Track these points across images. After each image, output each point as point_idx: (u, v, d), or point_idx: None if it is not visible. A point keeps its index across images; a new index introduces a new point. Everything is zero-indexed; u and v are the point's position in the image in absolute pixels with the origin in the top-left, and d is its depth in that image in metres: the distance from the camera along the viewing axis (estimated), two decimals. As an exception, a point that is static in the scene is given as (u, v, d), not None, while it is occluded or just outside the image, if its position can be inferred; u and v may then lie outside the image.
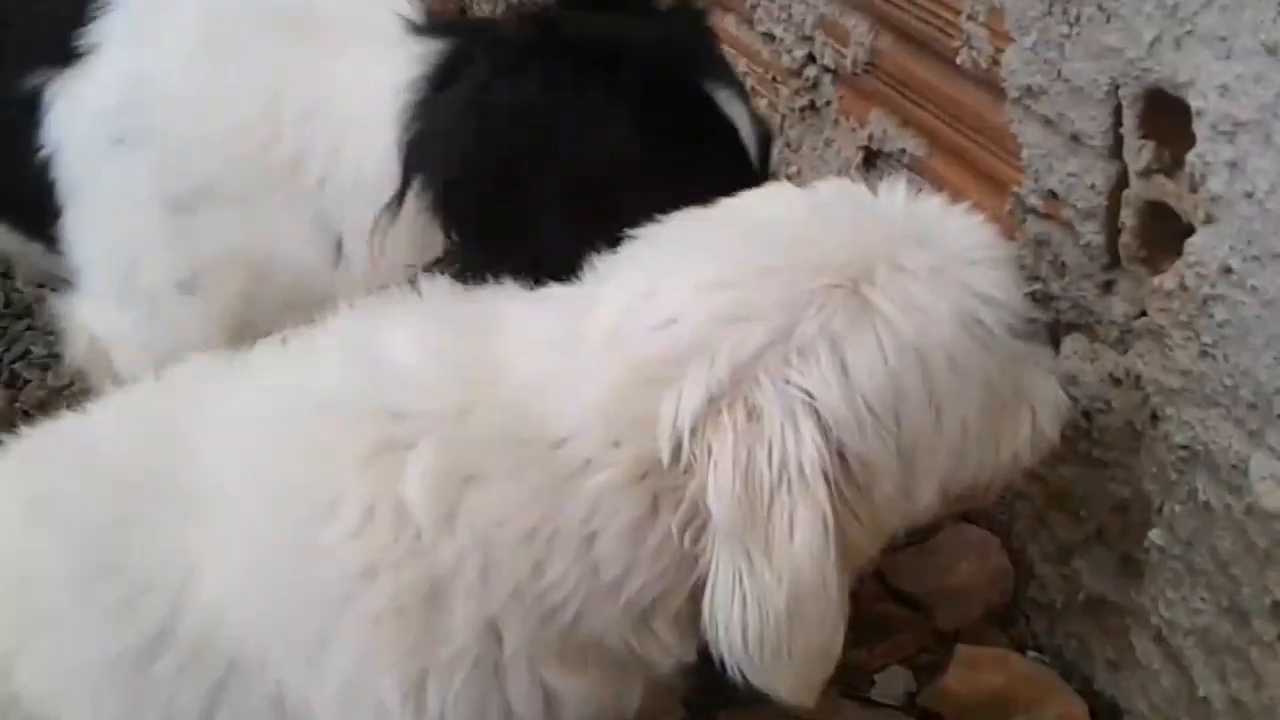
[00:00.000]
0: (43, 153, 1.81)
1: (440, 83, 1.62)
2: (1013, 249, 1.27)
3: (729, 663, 1.16)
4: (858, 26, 1.87)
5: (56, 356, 2.75)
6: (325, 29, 1.74)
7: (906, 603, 1.96)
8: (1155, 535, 1.57)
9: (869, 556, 1.26)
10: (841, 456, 1.12)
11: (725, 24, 2.36)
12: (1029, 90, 1.59)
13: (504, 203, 1.56)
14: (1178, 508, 1.52)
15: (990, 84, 1.67)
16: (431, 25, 1.72)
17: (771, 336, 1.11)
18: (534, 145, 1.54)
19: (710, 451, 1.10)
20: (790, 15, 2.10)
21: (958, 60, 1.72)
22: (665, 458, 1.13)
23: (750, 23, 2.24)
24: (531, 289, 1.32)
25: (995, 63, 1.65)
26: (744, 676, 1.17)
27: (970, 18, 1.67)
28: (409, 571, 1.18)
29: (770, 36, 1.85)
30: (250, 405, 1.32)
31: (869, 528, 1.19)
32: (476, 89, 1.56)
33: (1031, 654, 1.91)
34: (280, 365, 1.36)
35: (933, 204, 1.23)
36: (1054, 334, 1.38)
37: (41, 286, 2.86)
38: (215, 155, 1.71)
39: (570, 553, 1.18)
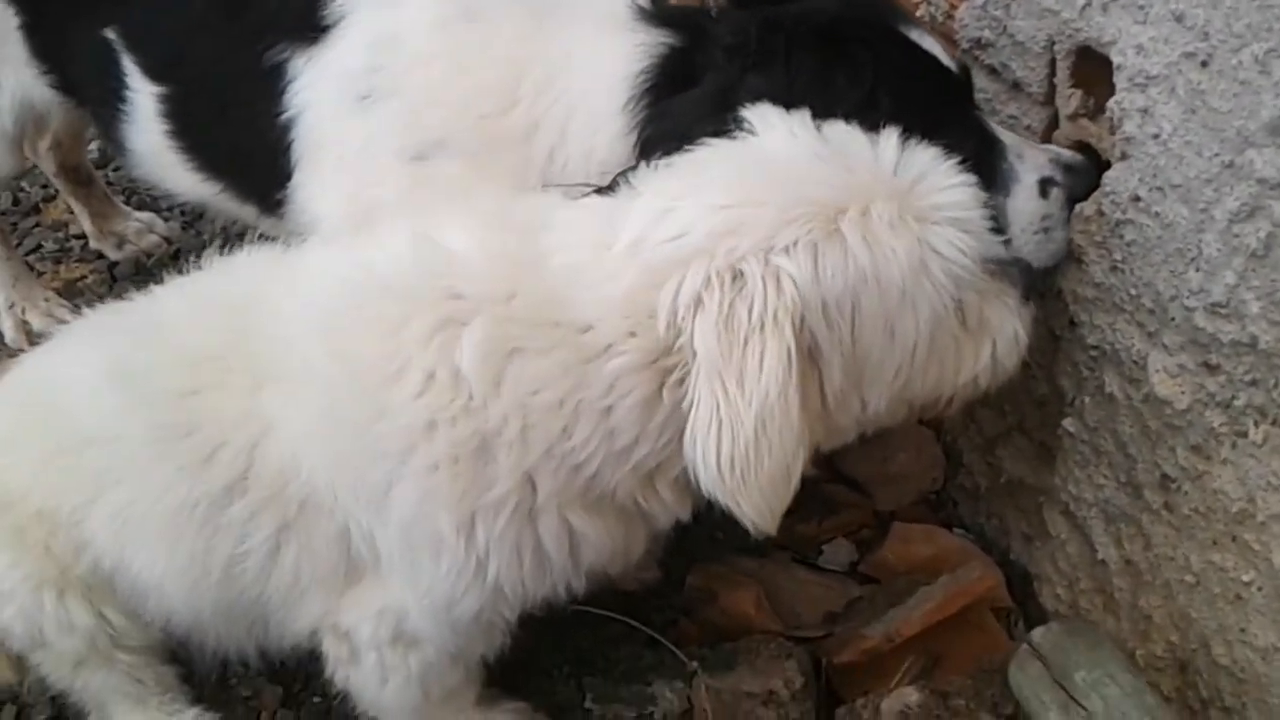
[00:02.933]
0: (284, 116, 1.90)
1: (667, 80, 1.74)
2: (981, 207, 1.44)
3: (704, 485, 1.37)
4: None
5: (67, 251, 2.91)
6: (563, 6, 1.86)
7: (851, 485, 2.24)
8: (1068, 424, 1.85)
9: (822, 445, 1.47)
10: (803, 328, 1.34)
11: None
12: (978, 43, 1.84)
13: None
14: (1088, 399, 1.80)
15: (945, 35, 1.91)
16: (656, 14, 1.82)
17: (761, 241, 1.34)
18: None
19: (701, 306, 1.33)
20: (766, -37, 2.31)
21: (918, 14, 1.96)
22: (661, 329, 1.35)
23: (727, -33, 2.45)
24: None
25: (950, 17, 1.89)
26: (716, 508, 1.39)
27: (930, -23, 1.91)
28: (463, 427, 1.41)
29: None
30: (324, 286, 1.51)
31: (819, 411, 1.41)
32: (720, 91, 1.66)
33: (958, 532, 2.21)
34: (350, 253, 1.56)
35: (921, 157, 1.42)
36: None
37: (46, 186, 3.01)
38: (455, 113, 1.81)
39: (592, 420, 1.40)
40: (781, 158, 1.44)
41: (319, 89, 1.88)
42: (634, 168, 1.58)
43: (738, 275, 1.33)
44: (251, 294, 1.61)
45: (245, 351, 1.55)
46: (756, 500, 1.36)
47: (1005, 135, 1.73)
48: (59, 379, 1.71)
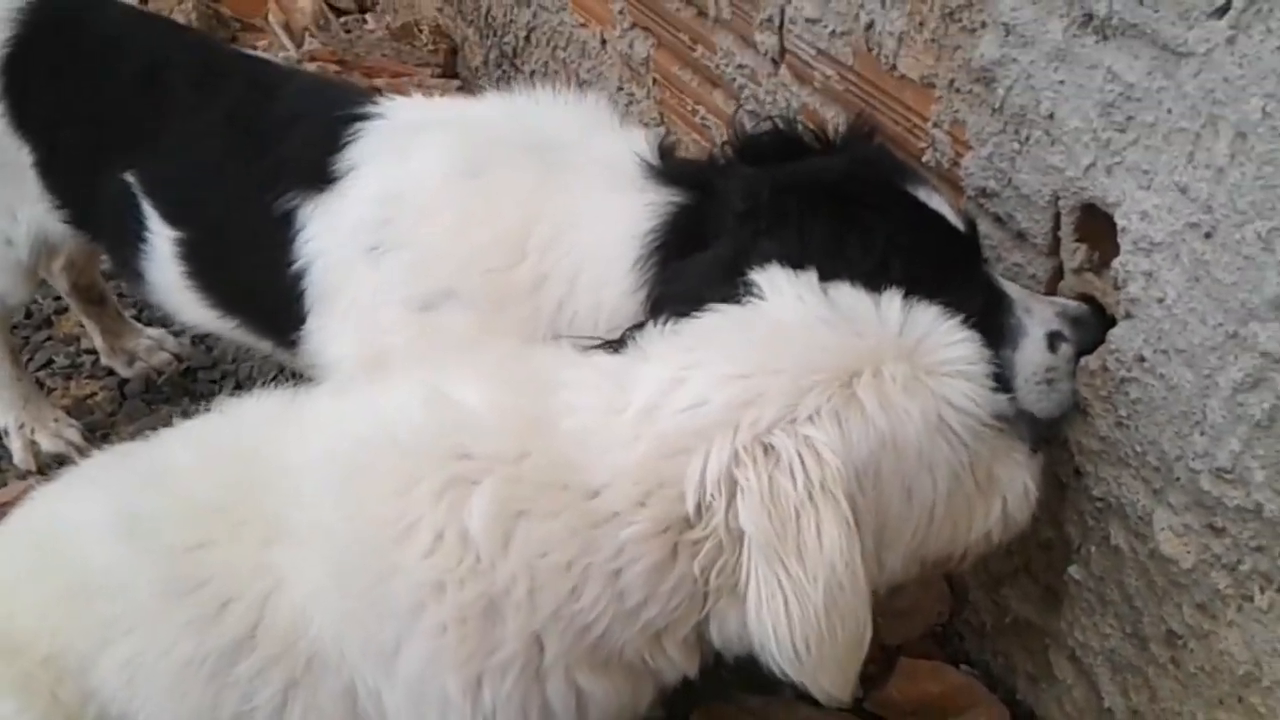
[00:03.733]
0: (296, 265, 1.96)
1: (676, 238, 1.77)
2: (986, 362, 1.45)
3: (777, 666, 1.35)
4: (837, 117, 2.11)
5: (78, 366, 2.93)
6: (571, 163, 1.89)
7: (857, 620, 2.22)
8: (1074, 571, 1.85)
9: None
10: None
11: (714, 99, 2.61)
12: (983, 191, 1.86)
13: None
14: (1093, 549, 1.80)
15: (950, 181, 1.94)
16: (664, 171, 1.86)
17: (783, 413, 1.35)
18: None
19: (737, 487, 1.33)
20: (775, 100, 2.36)
21: (924, 159, 1.98)
22: (690, 510, 1.35)
23: (738, 100, 2.50)
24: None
25: (955, 164, 1.91)
26: (787, 677, 1.37)
27: (936, 125, 1.93)
28: (470, 589, 1.41)
29: (756, 116, 2.09)
30: (335, 440, 1.53)
31: None
32: (732, 256, 1.67)
33: (964, 668, 2.20)
34: (360, 404, 1.57)
35: (926, 316, 1.45)
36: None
37: (58, 299, 3.03)
38: (462, 265, 1.85)
39: (600, 583, 1.40)
40: (789, 324, 1.45)
41: (329, 238, 1.93)
42: (642, 325, 1.60)
43: (769, 449, 1.33)
44: (260, 445, 1.61)
45: (255, 504, 1.55)
46: (835, 674, 1.36)
47: (1012, 289, 1.75)
48: (66, 524, 1.70)
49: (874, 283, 1.50)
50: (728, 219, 1.72)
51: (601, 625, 1.42)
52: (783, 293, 1.48)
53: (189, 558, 1.55)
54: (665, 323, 1.53)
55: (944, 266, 1.65)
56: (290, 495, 1.53)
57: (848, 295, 1.47)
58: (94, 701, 1.64)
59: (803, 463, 1.32)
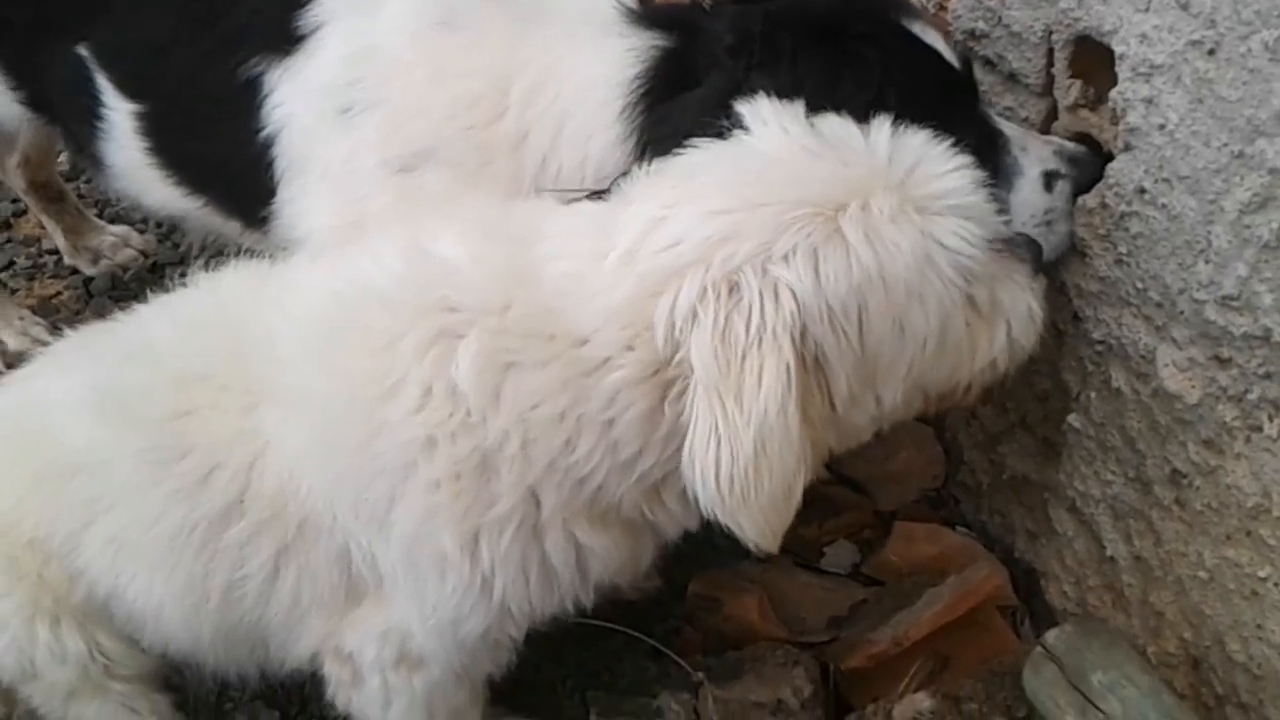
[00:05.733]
0: (264, 133, 1.85)
1: (663, 83, 1.70)
2: (980, 187, 1.39)
3: (703, 504, 1.33)
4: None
5: (41, 267, 2.85)
6: (548, 10, 1.80)
7: (851, 486, 2.21)
8: (1073, 419, 1.82)
9: (835, 447, 1.44)
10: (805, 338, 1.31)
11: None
12: (973, 34, 1.81)
13: None
14: (1093, 395, 1.77)
15: (939, 27, 1.86)
16: (646, 15, 1.78)
17: (758, 249, 1.30)
18: None
19: (696, 319, 1.29)
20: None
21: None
22: (659, 343, 1.31)
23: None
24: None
25: (943, 9, 1.86)
26: (717, 521, 1.34)
27: (922, -32, 1.87)
28: (462, 444, 1.37)
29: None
30: (316, 301, 1.48)
31: (829, 416, 1.37)
32: (723, 90, 1.60)
33: (960, 530, 2.18)
34: (341, 266, 1.52)
35: (914, 144, 1.39)
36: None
37: (16, 201, 2.95)
38: (440, 123, 1.76)
39: (594, 433, 1.36)
40: (775, 156, 1.40)
41: (298, 103, 1.83)
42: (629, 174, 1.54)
43: (734, 288, 1.29)
44: (240, 313, 1.56)
45: (238, 371, 1.51)
46: (758, 520, 1.33)
47: (1008, 128, 1.70)
48: (42, 404, 1.65)
49: (868, 117, 1.43)
50: (718, 57, 1.65)
51: (598, 478, 1.39)
52: (767, 124, 1.42)
53: (171, 427, 1.52)
54: (650, 164, 1.47)
55: (938, 102, 1.59)
56: (272, 358, 1.49)
57: (834, 125, 1.41)
58: (82, 581, 1.61)
59: (761, 306, 1.28)
